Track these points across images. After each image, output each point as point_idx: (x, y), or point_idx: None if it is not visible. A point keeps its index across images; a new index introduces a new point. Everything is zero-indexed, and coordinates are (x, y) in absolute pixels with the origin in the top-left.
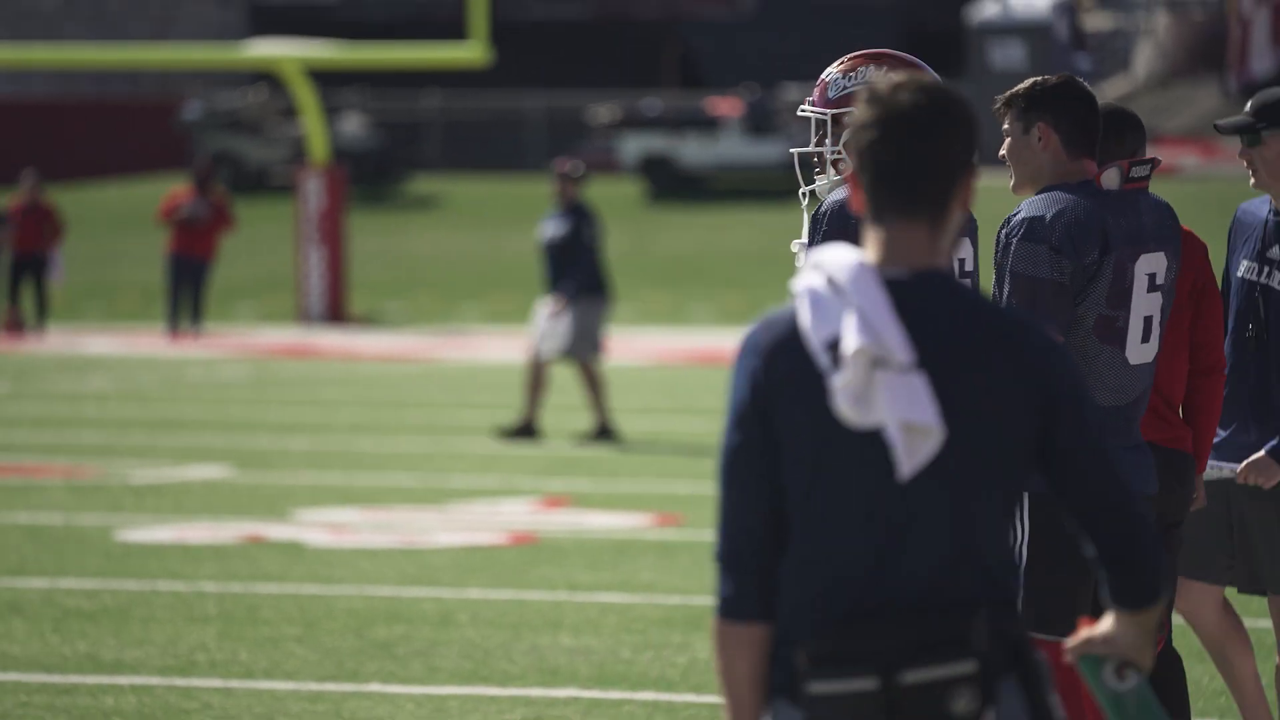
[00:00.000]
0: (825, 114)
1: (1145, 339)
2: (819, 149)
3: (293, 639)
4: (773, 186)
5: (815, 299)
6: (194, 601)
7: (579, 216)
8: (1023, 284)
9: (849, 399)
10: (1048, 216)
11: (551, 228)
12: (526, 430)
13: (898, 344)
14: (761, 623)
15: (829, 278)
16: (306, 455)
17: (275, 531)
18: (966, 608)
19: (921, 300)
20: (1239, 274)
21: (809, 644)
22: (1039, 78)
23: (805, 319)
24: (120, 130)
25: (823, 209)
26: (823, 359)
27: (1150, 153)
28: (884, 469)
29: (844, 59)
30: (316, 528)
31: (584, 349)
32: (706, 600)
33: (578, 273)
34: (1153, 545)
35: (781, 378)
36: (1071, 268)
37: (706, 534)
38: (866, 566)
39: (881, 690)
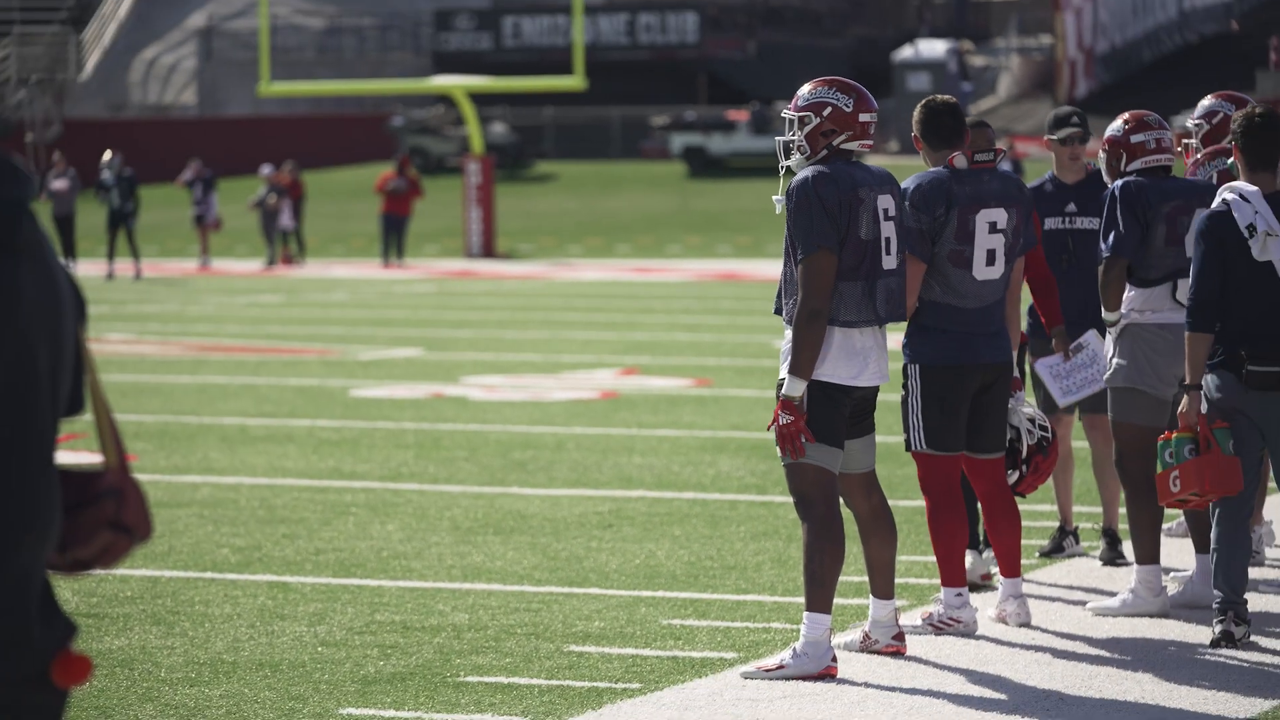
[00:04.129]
0: (794, 115)
1: (990, 263)
2: (790, 138)
3: (462, 459)
4: (770, 165)
5: (1236, 203)
6: (399, 435)
7: None
8: (903, 230)
9: (1258, 249)
10: (911, 186)
11: None
12: None
13: (1277, 226)
14: (1206, 333)
15: (1240, 194)
16: (470, 341)
17: (450, 390)
18: None
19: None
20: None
21: (1249, 350)
22: (924, 100)
23: (1234, 212)
24: (351, 134)
25: (792, 184)
26: (1244, 232)
27: (1005, 146)
28: (1274, 280)
29: (809, 83)
30: (477, 388)
31: None
32: (729, 433)
33: None
34: None
35: (1222, 236)
36: (927, 219)
37: (730, 391)
38: (1268, 318)
39: None
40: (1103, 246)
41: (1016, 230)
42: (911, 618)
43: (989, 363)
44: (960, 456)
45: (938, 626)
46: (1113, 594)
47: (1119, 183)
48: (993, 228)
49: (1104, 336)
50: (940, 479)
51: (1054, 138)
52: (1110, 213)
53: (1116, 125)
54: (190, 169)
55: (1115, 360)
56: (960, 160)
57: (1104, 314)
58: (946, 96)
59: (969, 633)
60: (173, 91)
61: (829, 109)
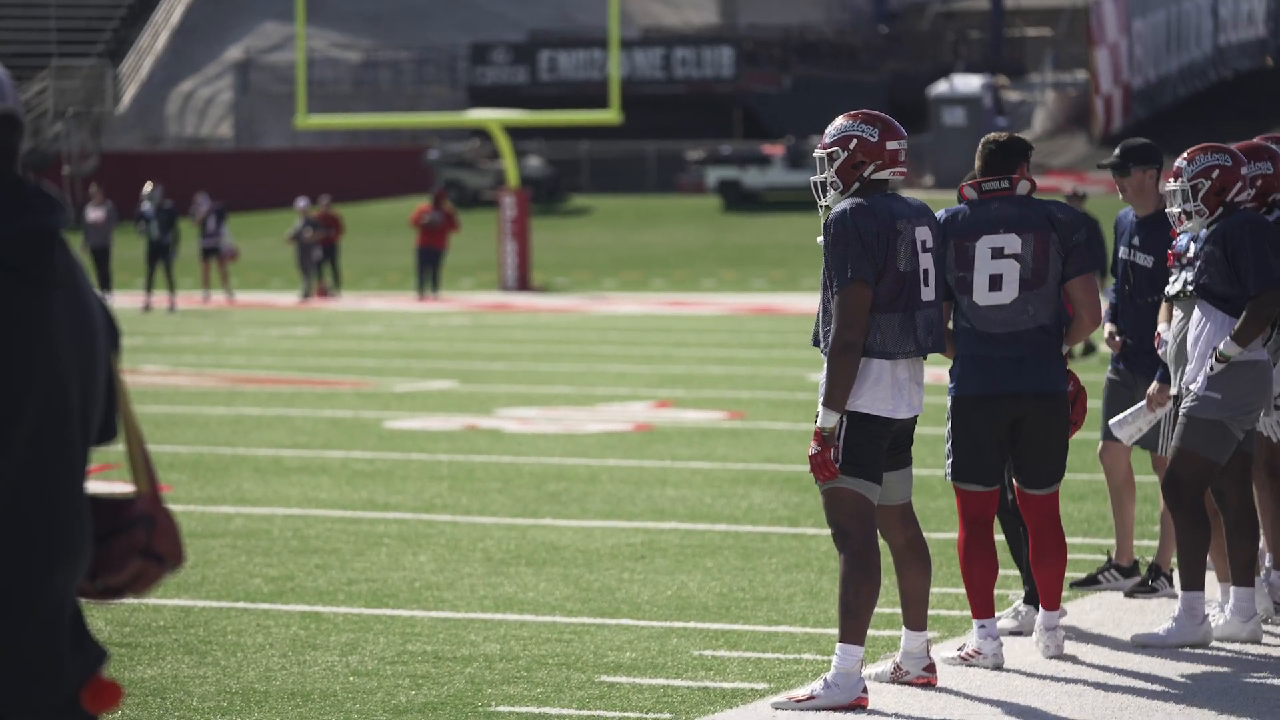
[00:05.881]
0: (823, 153)
1: (995, 289)
2: (823, 176)
3: (495, 490)
4: (805, 199)
5: None
6: (434, 466)
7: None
8: (941, 262)
9: None
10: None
11: None
12: None
13: None
14: None
15: None
16: (504, 373)
17: (484, 422)
18: None
19: None
20: (1119, 255)
21: None
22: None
23: None
24: (386, 167)
25: (830, 216)
26: None
27: (1041, 181)
28: None
29: (835, 120)
30: (511, 420)
31: None
32: (762, 466)
33: None
34: None
35: None
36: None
37: (763, 424)
38: None
39: None
40: (1260, 281)
41: (1040, 256)
42: (944, 649)
43: (1014, 392)
44: (994, 492)
45: (964, 658)
46: (1145, 625)
47: (1247, 218)
48: (997, 253)
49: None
50: (967, 511)
51: None
52: (1259, 247)
53: None
54: (203, 204)
55: (1207, 393)
56: (970, 191)
57: (1230, 349)
58: (1000, 134)
59: (992, 665)
60: (209, 124)
61: (855, 141)
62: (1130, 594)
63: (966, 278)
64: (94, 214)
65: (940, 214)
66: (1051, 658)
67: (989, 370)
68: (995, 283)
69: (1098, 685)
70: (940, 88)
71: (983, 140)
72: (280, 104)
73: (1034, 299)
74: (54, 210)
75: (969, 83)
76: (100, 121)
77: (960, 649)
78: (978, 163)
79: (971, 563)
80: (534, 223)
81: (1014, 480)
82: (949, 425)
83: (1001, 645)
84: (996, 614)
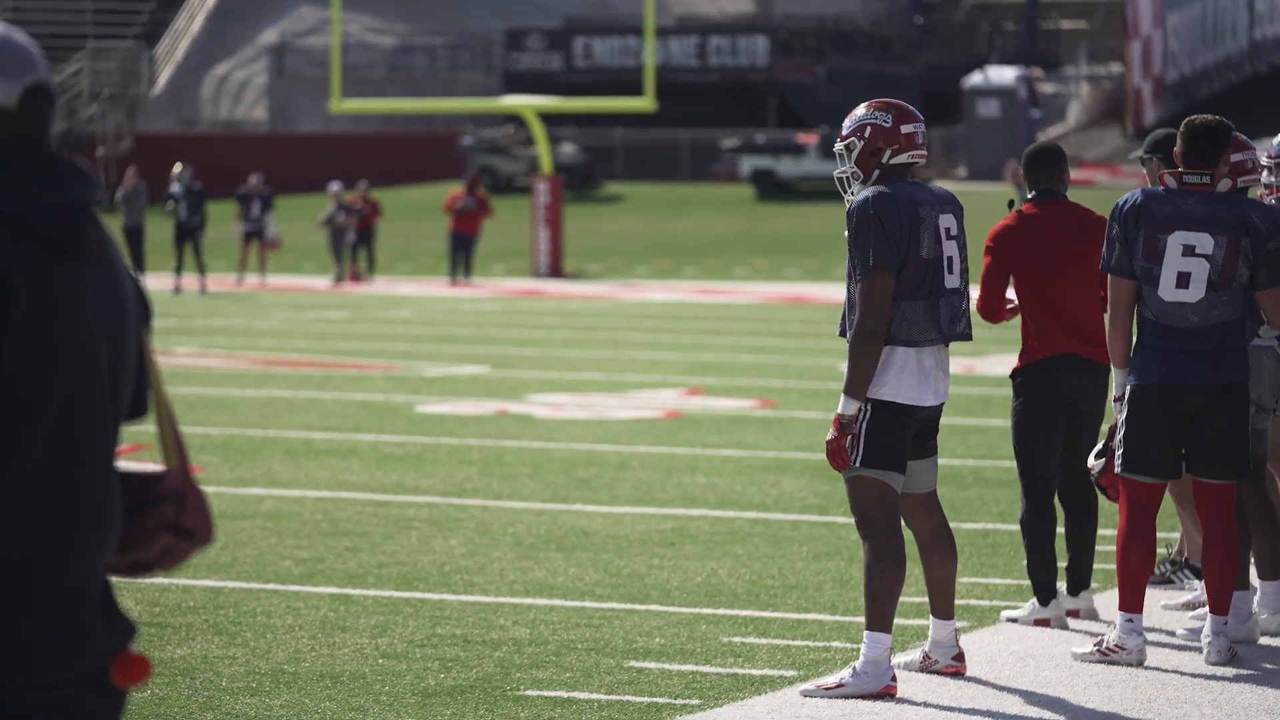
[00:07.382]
0: (841, 147)
1: (1181, 286)
2: (845, 170)
3: (526, 475)
4: (838, 189)
5: None
6: (464, 451)
7: None
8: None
9: None
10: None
11: None
12: None
13: None
14: None
15: None
16: (535, 359)
17: (515, 408)
18: None
19: None
20: None
21: None
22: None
23: None
24: (420, 152)
25: (853, 205)
26: None
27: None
28: None
29: (856, 108)
30: (541, 405)
31: None
32: (793, 454)
33: None
34: None
35: None
36: (1119, 231)
37: (794, 413)
38: None
39: None
40: None
41: (1230, 258)
42: (975, 638)
43: (1194, 383)
44: (1160, 486)
45: (1105, 653)
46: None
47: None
48: (1188, 251)
49: None
50: (1131, 501)
51: None
52: None
53: None
54: (250, 184)
55: None
56: (1170, 179)
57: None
58: (1207, 118)
59: (1134, 662)
60: (244, 107)
61: (869, 128)
62: (1153, 582)
63: (1153, 270)
64: (128, 195)
65: (1135, 194)
66: (1221, 663)
67: (1169, 361)
68: (1183, 280)
69: (1126, 677)
70: (975, 79)
71: (1186, 121)
72: (315, 88)
73: (1219, 299)
74: (86, 184)
75: (1003, 75)
76: (135, 104)
77: (1098, 643)
78: (1179, 144)
79: (1130, 553)
80: (567, 209)
81: (1189, 472)
82: (1123, 414)
83: (1145, 642)
84: (1007, 612)
